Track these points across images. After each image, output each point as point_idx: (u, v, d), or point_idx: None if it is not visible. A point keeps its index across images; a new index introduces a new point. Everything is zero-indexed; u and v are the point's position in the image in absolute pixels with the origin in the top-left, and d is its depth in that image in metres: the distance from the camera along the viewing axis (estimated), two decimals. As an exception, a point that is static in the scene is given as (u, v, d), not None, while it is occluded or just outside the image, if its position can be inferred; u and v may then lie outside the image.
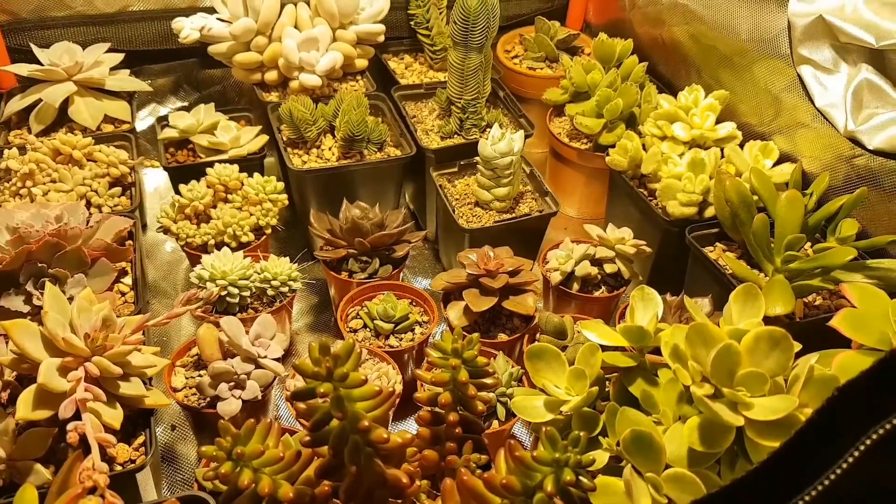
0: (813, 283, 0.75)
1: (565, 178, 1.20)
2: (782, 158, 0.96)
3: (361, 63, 1.19)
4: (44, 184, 0.89)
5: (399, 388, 0.75)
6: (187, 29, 1.05)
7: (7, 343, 0.61)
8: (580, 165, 1.16)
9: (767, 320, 0.63)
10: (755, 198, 0.84)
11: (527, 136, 1.08)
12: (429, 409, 0.57)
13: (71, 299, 0.71)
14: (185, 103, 1.29)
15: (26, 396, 0.55)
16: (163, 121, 1.07)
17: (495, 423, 0.74)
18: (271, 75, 1.12)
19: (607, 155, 1.03)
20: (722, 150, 0.97)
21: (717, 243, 0.91)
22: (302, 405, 0.45)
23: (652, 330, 0.57)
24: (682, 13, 1.13)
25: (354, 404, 0.44)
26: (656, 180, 0.96)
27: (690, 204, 0.90)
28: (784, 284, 0.72)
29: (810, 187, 0.82)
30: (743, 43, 1.00)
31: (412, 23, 1.25)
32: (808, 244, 0.87)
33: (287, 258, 0.89)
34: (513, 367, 0.78)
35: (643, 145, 1.01)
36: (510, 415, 0.74)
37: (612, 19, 1.35)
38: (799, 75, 0.88)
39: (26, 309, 0.70)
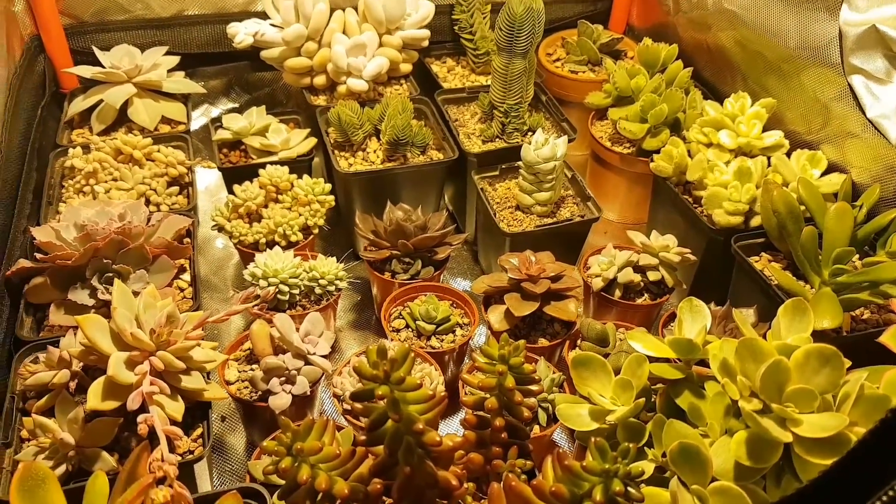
0: (861, 297, 0.74)
1: (606, 183, 1.21)
2: (831, 168, 0.95)
3: (406, 67, 1.21)
4: (106, 182, 0.92)
5: (442, 388, 0.77)
6: (241, 34, 1.08)
7: (76, 335, 0.64)
8: (622, 170, 1.16)
9: (814, 334, 0.63)
10: (802, 208, 0.83)
11: (569, 141, 1.09)
12: (475, 413, 0.58)
13: (134, 294, 0.75)
14: (237, 104, 1.33)
15: (96, 388, 0.58)
16: (216, 122, 1.11)
17: (536, 429, 0.75)
18: (320, 79, 1.15)
19: (651, 160, 1.03)
20: (769, 158, 0.96)
21: (763, 253, 0.91)
22: (359, 405, 0.47)
23: (700, 342, 0.58)
24: (728, 19, 1.12)
25: (409, 407, 0.46)
26: (702, 188, 0.96)
27: (737, 213, 0.90)
28: (832, 298, 0.72)
29: (860, 199, 0.81)
30: (791, 50, 0.99)
31: (456, 27, 1.27)
32: (857, 257, 0.86)
33: (334, 258, 0.91)
34: (554, 372, 0.79)
35: (688, 151, 1.01)
36: (551, 420, 0.75)
37: (656, 23, 1.34)
38: (850, 85, 0.87)
39: (91, 303, 0.74)
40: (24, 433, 0.63)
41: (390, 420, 0.46)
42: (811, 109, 0.98)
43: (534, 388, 0.58)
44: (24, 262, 0.76)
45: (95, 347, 0.59)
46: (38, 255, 0.73)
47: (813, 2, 0.93)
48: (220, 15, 1.23)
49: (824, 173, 0.94)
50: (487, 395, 0.58)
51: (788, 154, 0.97)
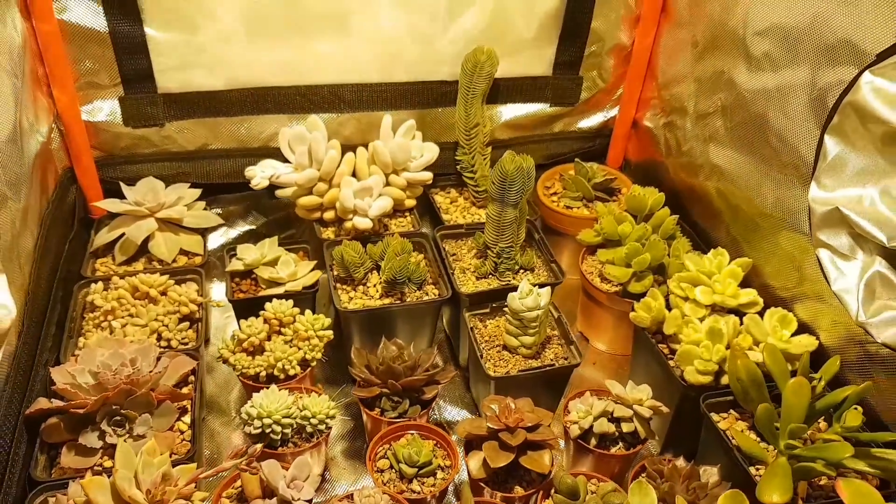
0: (816, 468, 0.78)
1: (596, 315, 1.26)
2: (802, 329, 1.00)
3: (410, 202, 1.31)
4: (122, 318, 1.01)
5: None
6: (258, 178, 1.18)
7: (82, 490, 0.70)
8: (609, 307, 1.22)
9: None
10: (770, 372, 0.88)
11: (556, 284, 1.16)
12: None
13: (137, 437, 0.82)
14: (254, 226, 1.43)
15: (93, 548, 0.64)
16: (231, 251, 1.20)
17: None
18: (329, 215, 1.25)
19: (633, 305, 1.09)
20: (742, 316, 1.02)
21: (732, 410, 0.95)
22: None
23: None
24: (711, 169, 1.20)
25: None
26: (677, 342, 1.02)
27: (707, 372, 0.95)
28: (785, 472, 0.76)
29: (820, 371, 0.86)
30: (768, 210, 1.06)
31: (458, 167, 1.37)
32: (823, 419, 0.90)
33: (326, 396, 0.98)
34: (526, 527, 0.83)
35: (667, 302, 1.07)
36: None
37: (650, 161, 1.43)
38: (817, 257, 0.93)
39: (99, 445, 0.81)
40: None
41: None
42: (786, 268, 1.04)
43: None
44: (43, 403, 0.83)
45: (96, 508, 0.65)
46: (54, 401, 0.80)
47: (788, 173, 1.00)
48: (240, 149, 1.34)
49: (795, 334, 0.99)
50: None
51: (763, 311, 1.03)
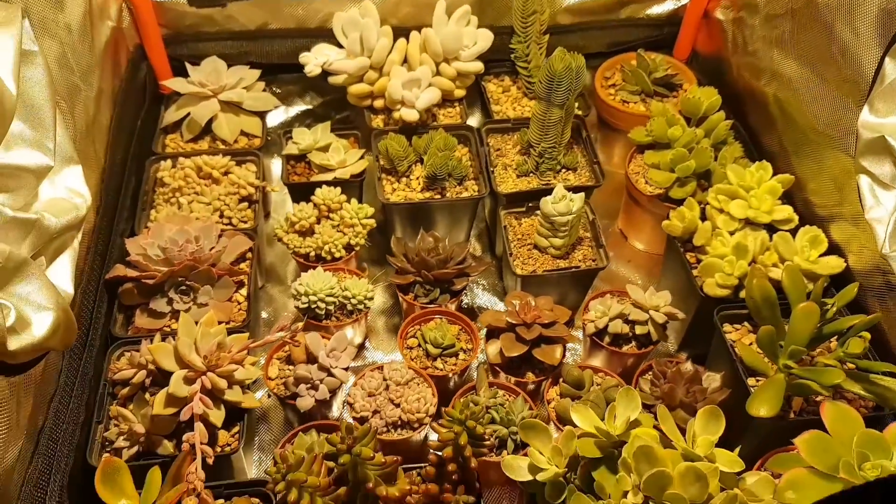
0: (812, 386, 0.83)
1: (636, 215, 1.29)
2: (833, 249, 1.00)
3: (460, 93, 1.32)
4: (189, 195, 1.12)
5: (433, 409, 0.93)
6: (311, 64, 1.22)
7: (152, 343, 0.84)
8: (650, 209, 1.24)
9: (756, 418, 0.75)
10: (787, 293, 0.90)
11: (595, 187, 1.18)
12: (435, 452, 0.74)
13: (200, 305, 0.94)
14: (310, 106, 1.48)
15: (160, 398, 0.78)
16: (287, 133, 1.27)
17: (504, 454, 0.90)
18: (379, 102, 1.28)
19: (670, 213, 1.11)
20: (775, 231, 1.02)
21: (746, 323, 0.99)
22: (331, 463, 0.64)
23: (623, 429, 0.70)
24: (773, 74, 1.15)
25: (367, 467, 0.62)
26: (706, 252, 1.04)
27: (726, 286, 0.98)
28: (778, 388, 0.82)
29: (835, 297, 0.88)
30: (820, 125, 1.03)
31: (512, 55, 1.35)
32: (836, 339, 0.93)
33: (365, 280, 1.07)
34: (530, 408, 0.93)
35: (703, 212, 1.08)
36: (518, 448, 0.90)
37: (716, 57, 1.37)
38: (857, 182, 0.92)
39: (167, 310, 0.94)
40: (112, 413, 0.85)
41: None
42: (828, 186, 1.03)
43: (486, 443, 0.73)
44: (120, 270, 0.96)
45: (163, 368, 0.79)
46: (129, 271, 0.93)
47: (845, 91, 0.96)
48: (299, 29, 1.37)
49: (825, 254, 0.99)
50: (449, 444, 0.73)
51: (798, 228, 1.03)
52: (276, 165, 1.36)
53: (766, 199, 1.03)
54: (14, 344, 0.62)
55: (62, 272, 0.74)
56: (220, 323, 0.87)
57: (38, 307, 0.64)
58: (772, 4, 1.15)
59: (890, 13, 0.87)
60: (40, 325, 0.64)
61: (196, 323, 0.83)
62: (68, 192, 0.77)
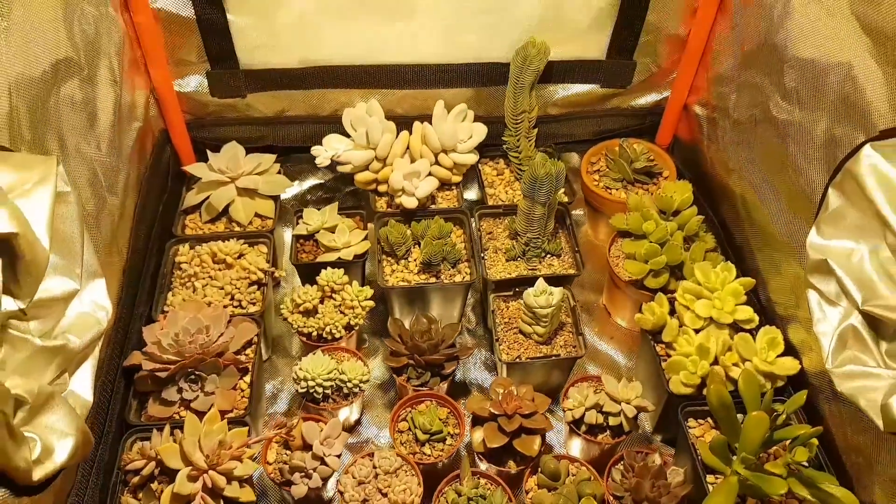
0: (763, 490, 0.91)
1: (617, 295, 1.37)
2: (791, 349, 1.08)
3: (456, 178, 1.43)
4: (203, 279, 1.23)
5: (418, 500, 1.02)
6: (322, 157, 1.34)
7: (162, 436, 0.94)
8: (628, 293, 1.32)
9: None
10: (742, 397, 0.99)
11: (575, 276, 1.27)
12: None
13: (207, 394, 1.05)
14: (322, 181, 1.59)
15: (167, 495, 0.88)
16: (298, 213, 1.38)
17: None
18: (383, 188, 1.39)
19: (643, 307, 1.19)
20: (737, 331, 1.11)
21: (709, 418, 1.07)
22: None
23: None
24: (740, 175, 1.24)
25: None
26: (673, 349, 1.13)
27: (689, 385, 1.07)
28: (730, 491, 0.90)
29: (784, 405, 0.96)
30: (780, 235, 1.12)
31: (505, 146, 1.45)
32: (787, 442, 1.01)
33: (361, 363, 1.17)
34: (508, 500, 1.01)
35: (672, 308, 1.17)
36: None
37: (695, 147, 1.46)
38: (807, 295, 1.00)
39: (177, 398, 1.05)
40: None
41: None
42: (787, 289, 1.11)
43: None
44: (136, 357, 1.07)
45: (168, 466, 0.89)
46: (144, 361, 1.04)
47: (800, 207, 1.04)
48: (312, 117, 1.48)
49: (782, 354, 1.07)
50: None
51: (759, 327, 1.11)
52: (287, 233, 1.47)
53: (729, 301, 1.11)
54: (38, 474, 0.69)
55: (83, 380, 0.83)
56: (223, 412, 0.97)
57: (62, 434, 0.73)
58: (739, 110, 1.24)
59: (835, 141, 0.95)
60: (62, 451, 0.72)
61: (200, 417, 0.94)
62: (93, 305, 0.87)
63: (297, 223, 1.37)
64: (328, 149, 1.36)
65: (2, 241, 0.65)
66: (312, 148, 1.37)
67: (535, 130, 1.43)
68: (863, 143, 0.85)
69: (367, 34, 1.35)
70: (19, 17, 0.86)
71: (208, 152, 1.40)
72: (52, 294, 0.78)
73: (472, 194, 1.54)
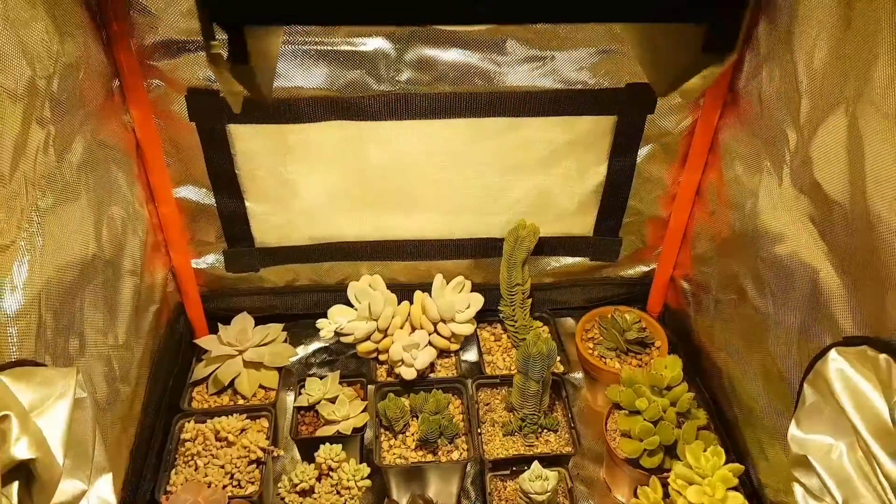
0: None
1: (615, 471, 1.37)
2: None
3: (454, 347, 1.48)
4: (205, 457, 1.26)
5: None
6: (325, 330, 1.41)
7: None
8: (625, 471, 1.33)
9: None
10: None
11: (571, 455, 1.29)
12: None
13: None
14: (327, 344, 1.65)
15: None
16: (301, 383, 1.43)
17: None
18: (383, 357, 1.45)
19: (637, 490, 1.20)
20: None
21: None
22: None
23: None
24: (727, 354, 1.29)
25: None
26: (667, 534, 1.13)
27: (682, 576, 1.06)
28: None
29: None
30: (766, 420, 1.14)
31: (501, 315, 1.52)
32: None
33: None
34: None
35: (666, 492, 1.17)
36: None
37: (683, 317, 1.51)
38: (793, 487, 1.01)
39: (174, 586, 1.05)
40: None
41: None
42: (775, 473, 1.13)
43: None
44: (137, 544, 1.09)
45: None
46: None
47: (779, 399, 1.08)
48: (320, 286, 1.57)
49: (776, 543, 1.07)
50: None
51: (751, 511, 1.11)
52: (289, 398, 1.50)
53: (720, 487, 1.12)
54: None
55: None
56: None
57: None
58: (719, 291, 1.30)
59: (808, 334, 1.00)
60: None
61: None
62: (98, 501, 0.91)
63: (300, 392, 1.41)
64: (332, 321, 1.44)
65: (20, 465, 0.70)
66: (318, 321, 1.45)
67: (530, 301, 1.50)
68: (829, 347, 0.90)
69: (372, 219, 1.46)
70: (54, 230, 0.97)
71: (219, 325, 1.47)
72: (61, 499, 0.82)
73: (471, 355, 1.59)
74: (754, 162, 1.14)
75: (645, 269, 1.58)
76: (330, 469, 1.29)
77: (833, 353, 0.90)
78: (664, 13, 0.45)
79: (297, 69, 1.25)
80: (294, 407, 1.40)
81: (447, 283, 1.50)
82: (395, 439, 1.34)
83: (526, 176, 1.41)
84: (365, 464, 1.29)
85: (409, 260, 1.54)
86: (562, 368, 1.43)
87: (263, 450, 1.28)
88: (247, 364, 1.43)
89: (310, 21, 0.61)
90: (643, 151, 1.37)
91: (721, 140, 1.27)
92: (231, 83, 0.51)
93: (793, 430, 1.01)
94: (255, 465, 1.28)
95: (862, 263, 0.87)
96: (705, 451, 1.18)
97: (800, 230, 1.01)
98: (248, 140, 1.33)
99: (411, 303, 1.49)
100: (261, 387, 1.43)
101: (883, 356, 0.81)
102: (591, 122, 1.34)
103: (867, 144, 0.84)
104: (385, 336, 1.45)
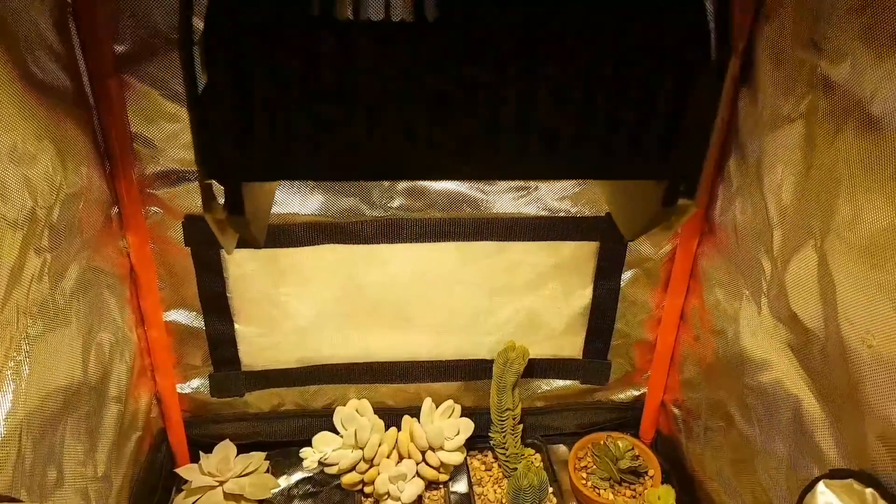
0: None
1: None
2: None
3: (444, 477, 1.44)
4: None
5: None
6: (309, 460, 1.38)
7: None
8: None
9: None
10: None
11: None
12: None
13: None
14: (311, 474, 1.58)
15: None
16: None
17: None
18: (368, 489, 1.40)
19: None
20: None
21: None
22: None
23: None
24: (719, 481, 1.26)
25: None
26: None
27: None
28: None
29: None
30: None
31: (491, 443, 1.49)
32: None
33: None
34: None
35: None
36: None
37: (675, 443, 1.48)
38: None
39: None
40: None
41: None
42: None
43: None
44: None
45: None
46: None
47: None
48: (305, 410, 1.54)
49: None
50: None
51: None
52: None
53: None
54: None
55: None
56: None
57: None
58: (708, 418, 1.29)
59: (796, 465, 0.99)
60: None
61: None
62: None
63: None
64: (317, 450, 1.40)
65: None
66: (301, 450, 1.41)
67: (521, 426, 1.48)
68: (817, 480, 0.89)
69: (361, 339, 1.47)
70: (42, 357, 0.96)
71: (201, 454, 1.43)
72: None
73: (461, 486, 1.54)
74: (734, 289, 1.17)
75: (636, 392, 1.57)
76: None
77: (821, 486, 0.88)
78: (625, 171, 0.48)
79: (293, 197, 1.30)
80: (275, 544, 1.34)
81: (436, 408, 1.48)
82: (380, 577, 1.27)
83: (514, 297, 1.43)
84: None
85: (398, 382, 1.53)
86: (555, 501, 1.39)
87: (240, 590, 1.21)
88: (227, 496, 1.38)
89: (304, 177, 0.65)
90: (626, 276, 1.41)
91: (701, 266, 1.31)
92: (226, 232, 0.54)
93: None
94: None
95: (841, 393, 0.88)
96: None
97: (781, 358, 1.03)
98: (241, 264, 1.36)
99: (399, 428, 1.47)
100: (241, 519, 1.37)
101: (869, 490, 0.80)
102: (575, 247, 1.39)
103: (837, 278, 0.87)
104: (371, 466, 1.41)
